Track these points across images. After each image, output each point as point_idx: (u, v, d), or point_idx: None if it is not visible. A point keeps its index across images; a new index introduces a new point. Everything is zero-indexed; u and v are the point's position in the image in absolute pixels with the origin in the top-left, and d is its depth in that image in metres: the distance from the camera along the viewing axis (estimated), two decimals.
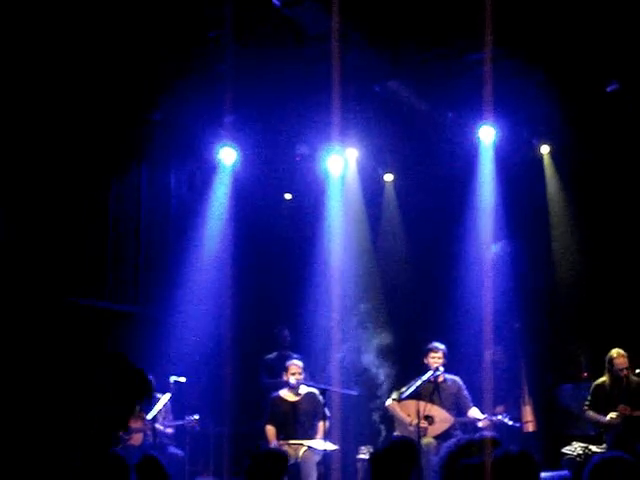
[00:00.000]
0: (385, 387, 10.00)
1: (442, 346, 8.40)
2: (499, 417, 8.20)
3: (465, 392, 8.40)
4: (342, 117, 8.77)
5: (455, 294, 9.78)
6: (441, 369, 8.28)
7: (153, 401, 8.27)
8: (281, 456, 4.99)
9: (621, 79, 8.51)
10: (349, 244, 10.45)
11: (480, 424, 8.11)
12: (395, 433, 8.42)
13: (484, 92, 7.81)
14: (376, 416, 10.06)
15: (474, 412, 8.26)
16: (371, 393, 10.19)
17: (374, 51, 8.38)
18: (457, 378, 8.47)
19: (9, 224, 7.99)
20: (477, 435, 4.14)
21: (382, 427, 9.92)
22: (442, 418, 8.20)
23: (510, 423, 8.17)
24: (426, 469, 7.58)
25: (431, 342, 8.51)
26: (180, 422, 8.52)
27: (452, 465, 2.72)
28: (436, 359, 8.30)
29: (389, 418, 9.02)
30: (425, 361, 8.36)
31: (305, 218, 10.85)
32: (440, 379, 8.35)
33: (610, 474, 2.99)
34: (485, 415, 8.19)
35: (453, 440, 3.80)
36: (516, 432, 8.69)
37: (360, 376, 10.18)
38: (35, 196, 8.20)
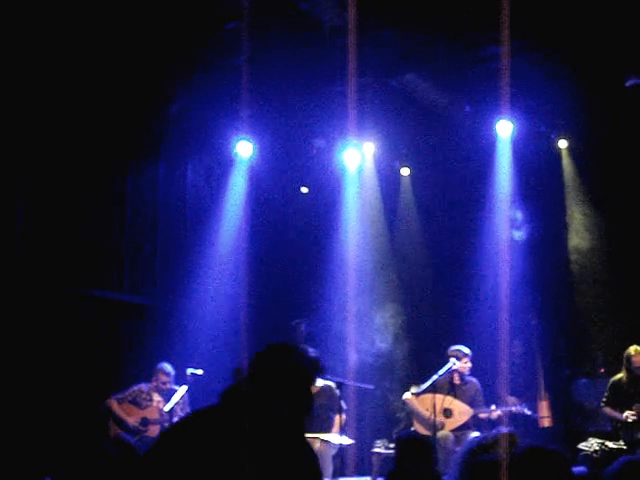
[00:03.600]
0: (403, 381, 10.00)
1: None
2: (517, 407, 8.24)
3: (481, 396, 8.48)
4: (359, 111, 8.74)
5: (472, 288, 9.76)
6: (457, 363, 8.32)
7: (170, 393, 8.31)
8: None
9: None
10: (365, 238, 10.44)
11: (494, 415, 8.16)
12: (412, 428, 8.44)
13: (502, 86, 7.75)
14: (393, 409, 10.06)
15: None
16: (388, 386, 10.19)
17: (391, 44, 8.35)
18: (475, 380, 8.53)
19: (27, 218, 8.04)
20: (494, 431, 4.14)
21: (399, 420, 9.92)
22: (461, 411, 8.24)
23: (529, 413, 8.22)
24: (443, 462, 7.60)
25: (445, 337, 8.59)
26: None
27: (472, 461, 2.73)
28: (469, 363, 8.41)
29: (406, 412, 9.04)
30: (455, 365, 8.38)
31: (321, 212, 10.84)
32: (456, 381, 8.41)
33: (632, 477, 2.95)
34: (494, 406, 8.26)
35: (475, 436, 3.79)
36: (532, 427, 8.70)
37: (377, 369, 10.17)
38: (52, 189, 8.24)
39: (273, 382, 2.71)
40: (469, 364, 8.45)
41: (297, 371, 2.71)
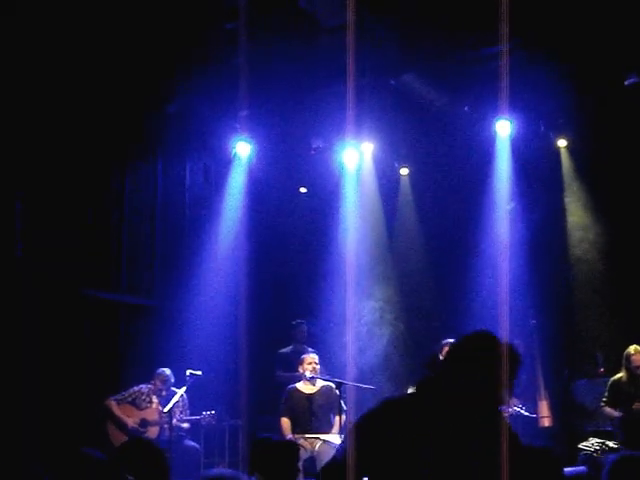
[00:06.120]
0: (399, 381, 9.98)
1: None
2: (515, 408, 8.23)
3: None
4: (357, 110, 8.72)
5: (471, 288, 9.75)
6: None
7: (169, 394, 8.28)
8: (292, 446, 4.90)
9: None
10: (364, 238, 10.43)
11: None
12: None
13: (500, 85, 7.74)
14: None
15: None
16: (386, 385, 10.17)
17: (390, 44, 8.34)
18: None
19: (25, 217, 8.02)
20: None
21: None
22: None
23: (526, 413, 8.20)
24: None
25: (445, 338, 8.52)
26: (196, 417, 8.53)
27: None
28: None
29: None
30: (441, 357, 8.36)
31: (320, 211, 10.83)
32: None
33: (629, 472, 2.95)
34: None
35: None
36: (532, 427, 8.67)
37: (377, 369, 10.15)
38: (50, 189, 8.22)
39: (472, 368, 2.88)
40: None
41: (494, 357, 2.85)
